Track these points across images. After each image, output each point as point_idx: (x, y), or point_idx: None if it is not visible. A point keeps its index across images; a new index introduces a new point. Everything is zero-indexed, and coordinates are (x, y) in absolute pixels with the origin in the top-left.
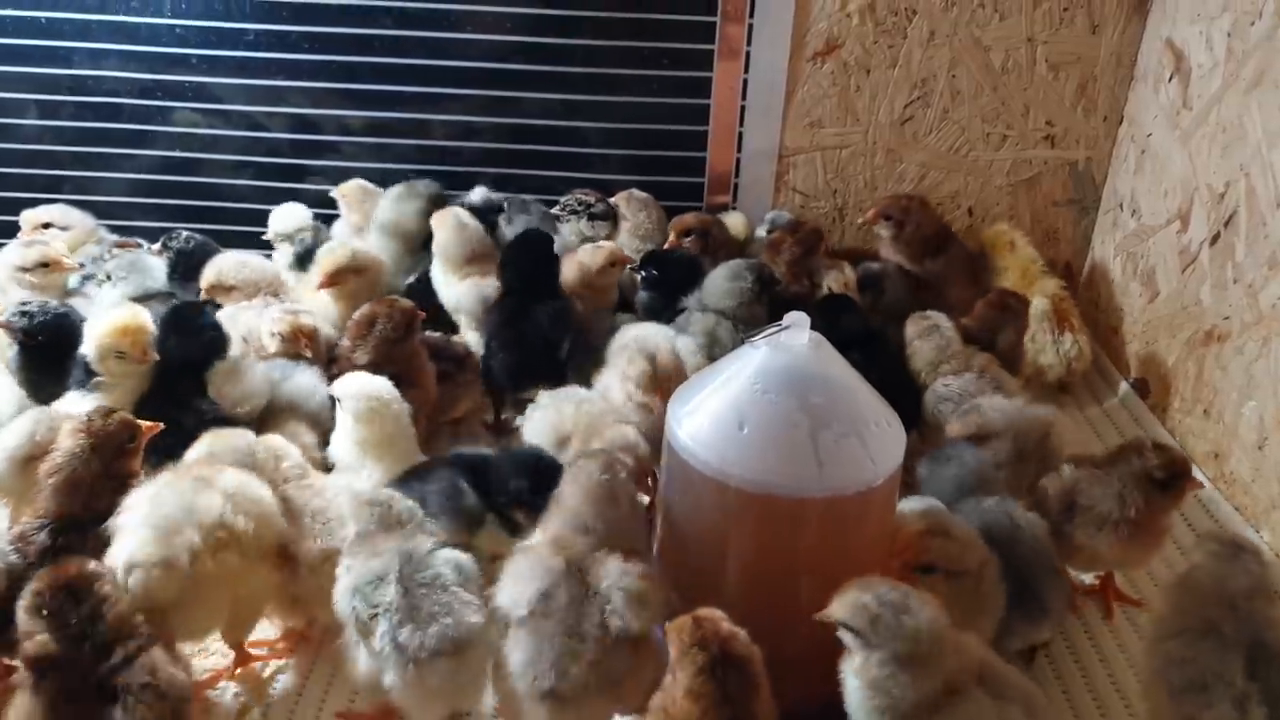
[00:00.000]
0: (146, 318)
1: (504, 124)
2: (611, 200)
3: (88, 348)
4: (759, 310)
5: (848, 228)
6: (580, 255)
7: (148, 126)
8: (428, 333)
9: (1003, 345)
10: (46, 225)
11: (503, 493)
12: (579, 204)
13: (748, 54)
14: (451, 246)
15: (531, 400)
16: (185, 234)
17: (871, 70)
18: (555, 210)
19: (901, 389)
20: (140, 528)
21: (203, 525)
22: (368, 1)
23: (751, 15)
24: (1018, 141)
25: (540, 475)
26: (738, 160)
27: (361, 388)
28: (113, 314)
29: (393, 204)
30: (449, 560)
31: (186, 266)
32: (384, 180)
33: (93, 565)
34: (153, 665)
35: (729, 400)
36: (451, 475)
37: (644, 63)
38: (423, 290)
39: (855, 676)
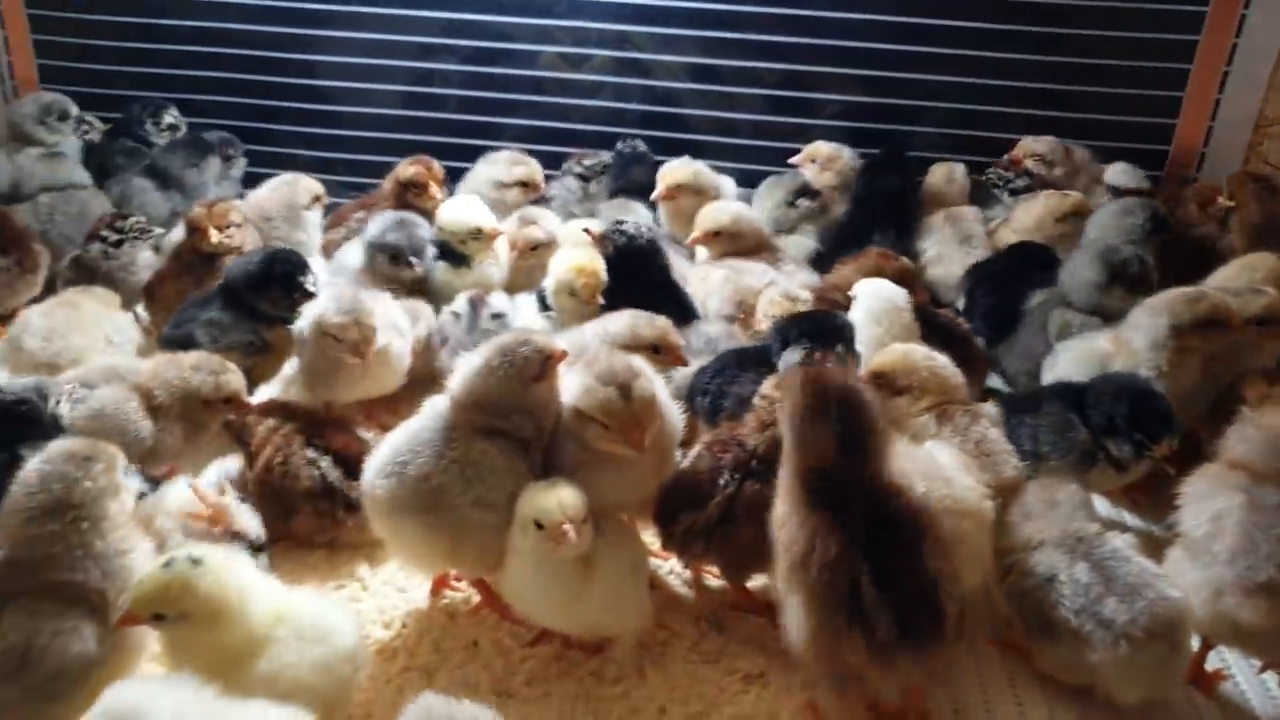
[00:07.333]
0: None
1: (962, 83)
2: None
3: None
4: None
5: None
6: (1047, 198)
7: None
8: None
9: None
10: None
11: (1109, 425)
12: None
13: (1242, 17)
14: None
15: None
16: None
17: None
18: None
19: None
20: None
21: None
22: None
23: None
24: None
25: (1143, 406)
26: (1209, 129)
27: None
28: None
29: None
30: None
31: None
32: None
33: None
34: None
35: None
36: (1061, 407)
37: (1122, 24)
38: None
39: None
